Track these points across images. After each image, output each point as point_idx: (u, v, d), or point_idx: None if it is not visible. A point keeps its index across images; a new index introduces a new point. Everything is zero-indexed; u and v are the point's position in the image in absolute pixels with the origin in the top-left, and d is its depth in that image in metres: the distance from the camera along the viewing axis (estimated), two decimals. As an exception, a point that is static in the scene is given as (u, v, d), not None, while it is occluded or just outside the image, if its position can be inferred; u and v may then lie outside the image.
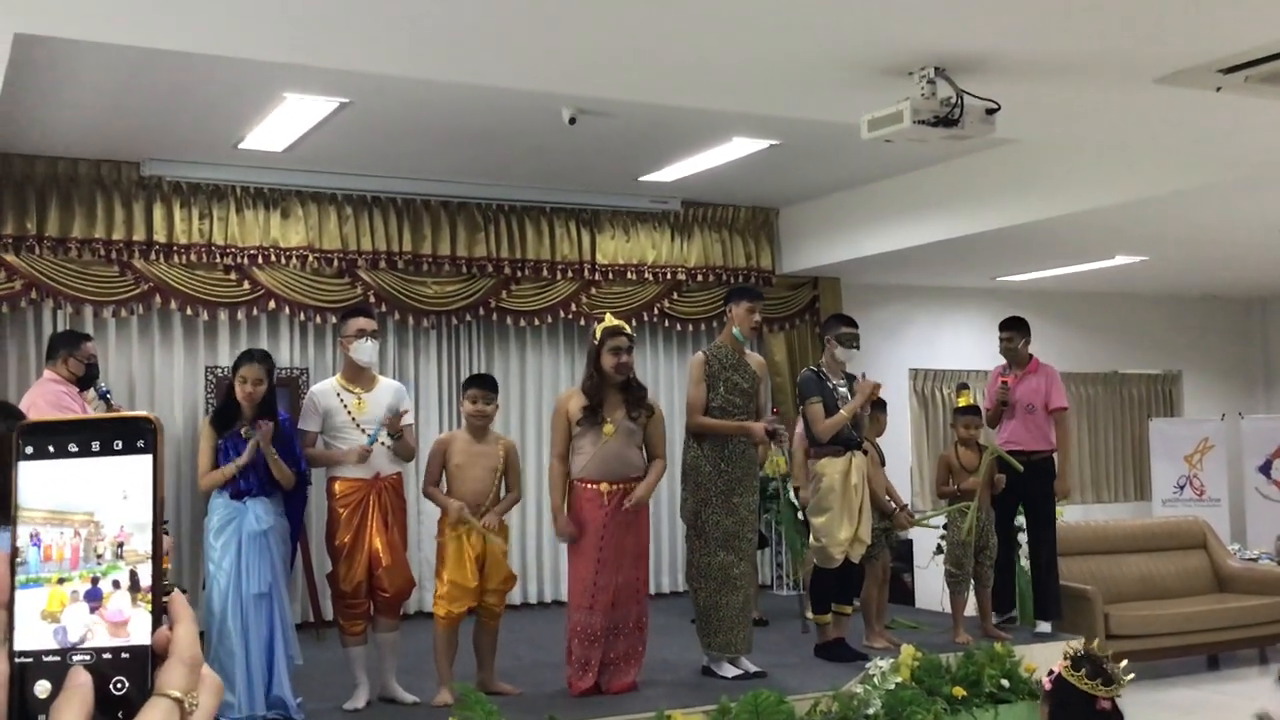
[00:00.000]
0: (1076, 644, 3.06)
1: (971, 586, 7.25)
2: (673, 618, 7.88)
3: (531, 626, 7.89)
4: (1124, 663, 3.01)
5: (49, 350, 5.94)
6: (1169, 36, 4.45)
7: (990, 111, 4.75)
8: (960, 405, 7.51)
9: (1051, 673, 3.04)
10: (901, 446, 10.48)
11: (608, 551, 5.81)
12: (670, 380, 9.61)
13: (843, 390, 6.72)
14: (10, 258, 7.56)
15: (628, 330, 6.01)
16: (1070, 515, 10.05)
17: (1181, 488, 11.38)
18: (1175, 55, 4.65)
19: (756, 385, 6.41)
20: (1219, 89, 4.93)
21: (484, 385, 5.93)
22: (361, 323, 5.86)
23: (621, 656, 5.89)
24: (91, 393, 6.04)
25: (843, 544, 6.58)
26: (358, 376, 5.83)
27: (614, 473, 5.85)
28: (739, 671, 6.19)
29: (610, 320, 6.10)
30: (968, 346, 11.42)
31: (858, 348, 6.85)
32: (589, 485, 5.86)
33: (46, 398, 5.63)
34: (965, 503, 7.14)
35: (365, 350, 5.80)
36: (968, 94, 4.66)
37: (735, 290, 6.80)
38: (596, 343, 5.93)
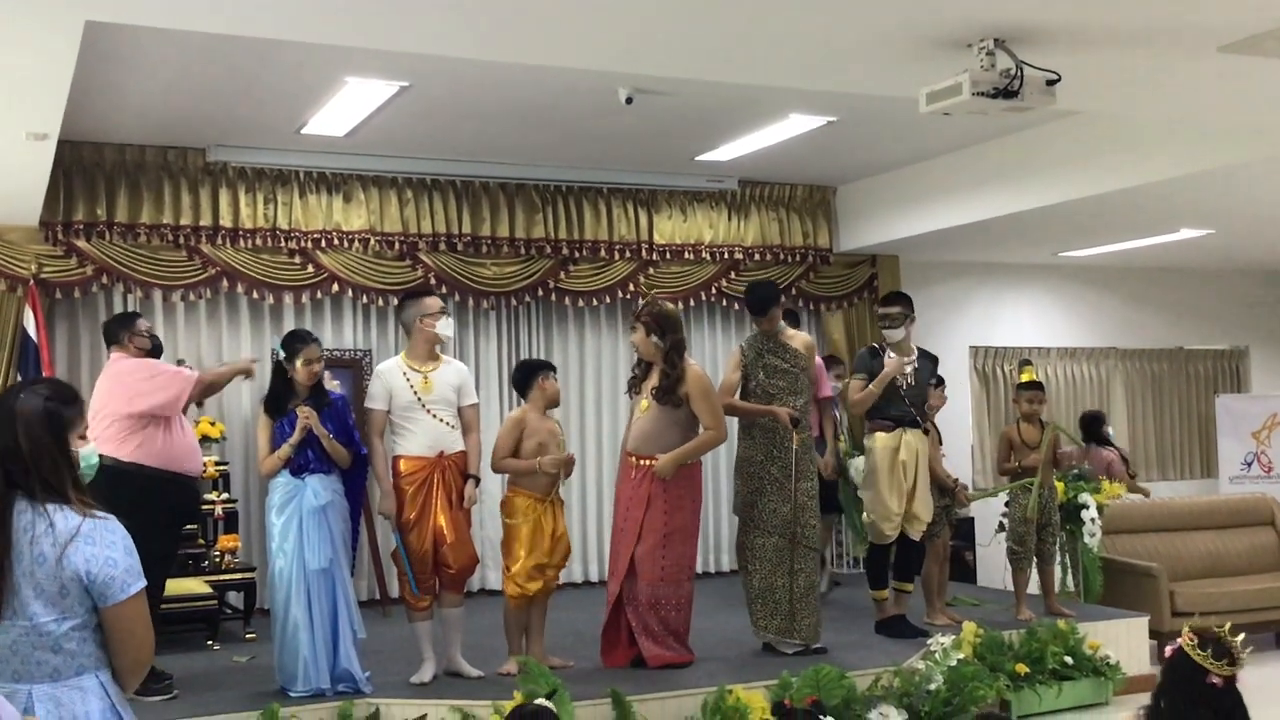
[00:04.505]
0: (1201, 623, 3.11)
1: (1034, 563, 7.22)
2: (733, 595, 7.90)
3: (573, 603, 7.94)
4: (1241, 637, 3.04)
5: (108, 337, 6.05)
6: (1233, 2, 4.38)
7: (1050, 83, 4.71)
8: (1022, 381, 7.45)
9: (1175, 643, 3.11)
10: (962, 424, 10.43)
11: (626, 521, 5.91)
12: (727, 359, 9.60)
13: (907, 368, 6.70)
14: (81, 243, 7.74)
15: (640, 312, 6.06)
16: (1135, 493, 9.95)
17: (1249, 464, 11.20)
18: (1239, 22, 4.57)
19: (800, 364, 6.38)
20: (1286, 56, 4.85)
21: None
22: (440, 302, 6.03)
23: (636, 630, 5.91)
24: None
25: (891, 519, 6.57)
26: (425, 356, 5.90)
27: (641, 448, 5.94)
28: (800, 647, 6.20)
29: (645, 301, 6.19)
30: (1029, 323, 11.33)
31: (894, 327, 6.71)
32: (627, 456, 6.01)
33: (135, 361, 5.75)
34: (1028, 479, 7.10)
35: (450, 326, 6.02)
36: (1027, 65, 4.62)
37: (745, 298, 6.70)
38: None
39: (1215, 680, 2.95)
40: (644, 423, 5.95)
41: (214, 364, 8.20)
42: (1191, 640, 3.01)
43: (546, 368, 6.14)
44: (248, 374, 6.21)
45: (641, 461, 5.91)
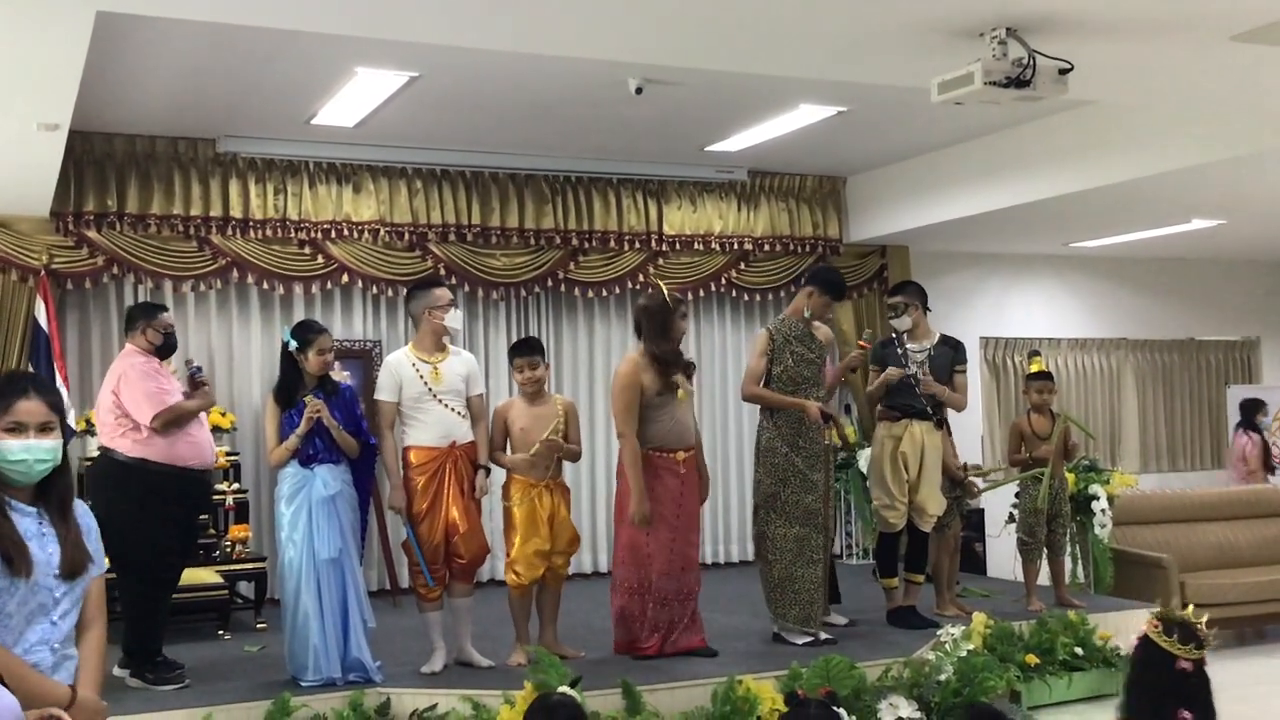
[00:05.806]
0: (1164, 610, 3.05)
1: (1044, 554, 7.20)
2: (743, 586, 7.92)
3: (581, 594, 7.95)
4: (1206, 620, 2.98)
5: (127, 323, 6.03)
6: (1247, -9, 4.37)
7: (1063, 72, 4.70)
8: (1032, 371, 7.43)
9: (1139, 634, 3.05)
10: (973, 415, 10.39)
11: (680, 519, 5.91)
12: (738, 351, 9.61)
13: (918, 356, 6.69)
14: (92, 234, 7.76)
15: (685, 299, 6.12)
16: (1146, 484, 9.94)
17: (1261, 455, 11.17)
18: (1252, 11, 4.55)
19: (823, 356, 6.42)
20: (1299, 45, 4.83)
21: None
22: (449, 294, 5.99)
23: (688, 619, 5.97)
24: (180, 369, 6.15)
25: (895, 508, 6.58)
26: (433, 347, 5.90)
27: (684, 439, 5.93)
28: (810, 638, 6.21)
29: (666, 289, 6.08)
30: (1039, 314, 11.30)
31: (897, 316, 6.76)
32: (666, 455, 5.90)
33: (139, 369, 5.70)
34: (1039, 469, 7.08)
35: (458, 318, 5.97)
36: (1040, 54, 4.61)
37: (822, 278, 6.49)
38: (670, 310, 5.91)
39: (1185, 665, 2.90)
40: (684, 413, 5.94)
41: (224, 355, 8.26)
42: (1156, 628, 2.96)
43: (518, 354, 5.98)
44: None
45: (687, 454, 5.93)
